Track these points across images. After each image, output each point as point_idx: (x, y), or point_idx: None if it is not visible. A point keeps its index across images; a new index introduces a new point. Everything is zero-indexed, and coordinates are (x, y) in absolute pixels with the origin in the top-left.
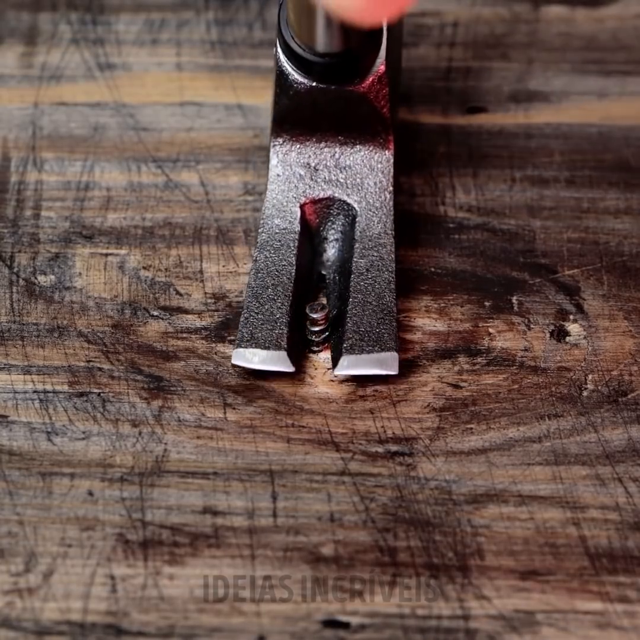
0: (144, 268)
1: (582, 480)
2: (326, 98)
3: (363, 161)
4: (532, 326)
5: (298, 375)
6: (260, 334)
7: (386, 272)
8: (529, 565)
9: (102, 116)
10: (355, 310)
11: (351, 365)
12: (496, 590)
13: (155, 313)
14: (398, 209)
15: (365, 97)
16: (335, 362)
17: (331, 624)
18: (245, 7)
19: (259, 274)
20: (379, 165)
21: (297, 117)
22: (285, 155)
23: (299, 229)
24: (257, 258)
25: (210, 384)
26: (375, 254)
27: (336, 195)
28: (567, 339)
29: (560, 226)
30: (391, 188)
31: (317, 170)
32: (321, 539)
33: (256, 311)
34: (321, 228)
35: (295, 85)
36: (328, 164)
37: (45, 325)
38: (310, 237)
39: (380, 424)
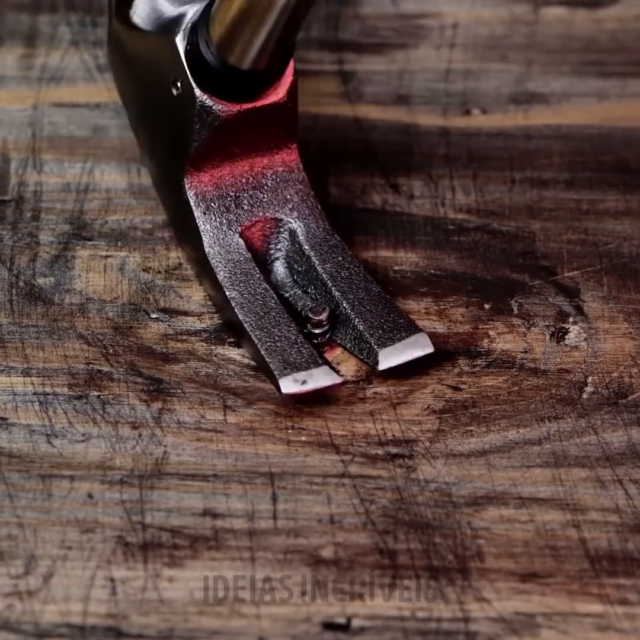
0: (144, 270)
1: (582, 482)
2: (246, 119)
3: (277, 176)
4: (532, 328)
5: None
6: (292, 358)
7: (354, 267)
8: (529, 568)
9: (102, 118)
10: (356, 310)
11: (391, 357)
12: (496, 592)
13: (155, 315)
14: (372, 204)
15: (284, 107)
16: (374, 360)
17: (331, 626)
18: None
19: (245, 308)
20: (293, 175)
21: (211, 150)
22: (204, 194)
23: (250, 256)
24: (233, 296)
25: (210, 386)
26: (333, 257)
27: (267, 215)
28: (567, 340)
29: (560, 228)
30: (312, 192)
31: (238, 197)
32: (321, 541)
33: (270, 340)
34: (264, 251)
35: (220, 114)
36: (246, 188)
37: (45, 327)
38: (258, 260)
39: (380, 426)
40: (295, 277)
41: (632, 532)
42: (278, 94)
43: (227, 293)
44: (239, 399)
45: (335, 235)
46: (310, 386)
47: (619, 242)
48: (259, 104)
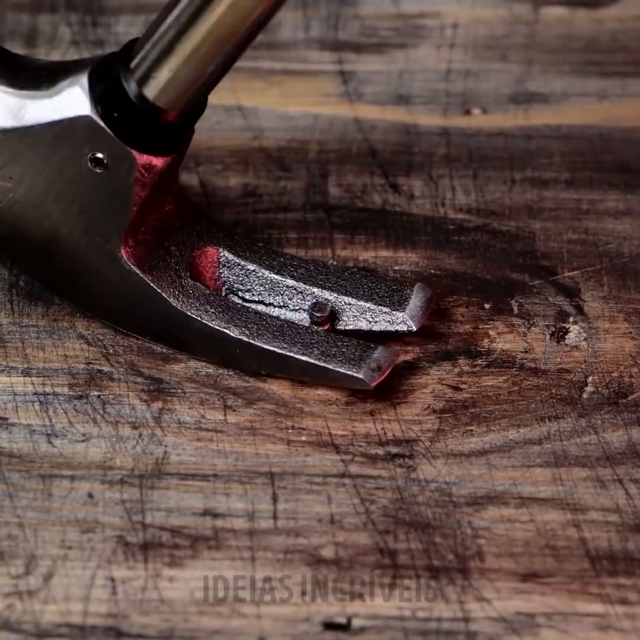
0: None
1: (583, 482)
2: (166, 170)
3: (177, 212)
4: (532, 328)
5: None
6: (349, 354)
7: (303, 261)
8: (530, 567)
9: None
10: (348, 293)
11: (416, 314)
12: (496, 592)
13: None
14: (372, 204)
15: (183, 152)
16: (405, 325)
17: (331, 626)
18: None
19: (259, 335)
20: (186, 205)
21: (144, 212)
22: (141, 256)
23: (211, 291)
24: (243, 331)
25: (210, 386)
26: (276, 258)
27: (194, 252)
28: (567, 340)
29: (560, 228)
30: (201, 209)
31: (165, 245)
32: (321, 541)
33: (309, 350)
34: (214, 284)
35: (162, 168)
36: (163, 235)
37: (45, 327)
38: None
39: (381, 426)
40: (256, 297)
41: (632, 532)
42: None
43: (230, 333)
44: (239, 398)
45: (253, 241)
46: (385, 367)
47: (619, 242)
48: (182, 150)
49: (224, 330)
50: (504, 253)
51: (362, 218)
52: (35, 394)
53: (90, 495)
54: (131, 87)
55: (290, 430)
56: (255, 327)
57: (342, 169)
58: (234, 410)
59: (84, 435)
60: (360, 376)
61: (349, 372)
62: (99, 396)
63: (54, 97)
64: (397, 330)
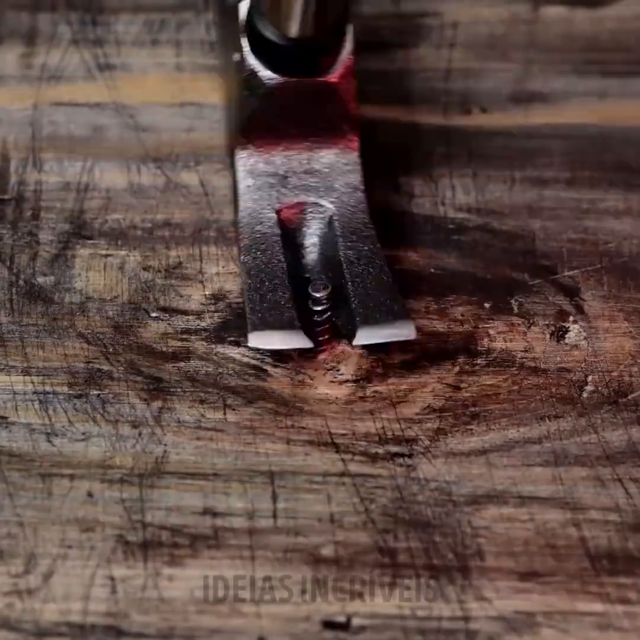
0: (144, 269)
1: (582, 481)
2: (296, 94)
3: (332, 164)
4: (532, 327)
5: (298, 376)
6: (271, 319)
7: (377, 260)
8: (529, 567)
9: (102, 117)
10: (358, 291)
11: (369, 335)
12: (496, 591)
13: (155, 314)
14: (372, 204)
15: (335, 90)
16: (350, 337)
17: (331, 625)
18: None
19: (252, 273)
20: (348, 167)
21: (264, 123)
22: (253, 167)
23: (280, 231)
24: (246, 260)
25: (210, 385)
26: (361, 246)
27: (310, 199)
28: (567, 339)
29: (560, 227)
30: (362, 186)
31: (287, 177)
32: (321, 540)
33: (260, 301)
34: (297, 232)
35: (266, 82)
36: (297, 170)
37: (45, 326)
38: (289, 239)
39: (380, 425)
40: (321, 260)
41: (632, 531)
42: (329, 74)
43: (241, 257)
44: (239, 397)
45: (372, 230)
46: (276, 345)
47: (619, 241)
48: (306, 79)
49: (241, 256)
50: (504, 252)
51: None
52: (34, 392)
53: (90, 494)
54: None
55: (290, 429)
56: (262, 266)
57: None
58: (233, 410)
59: (83, 434)
60: (249, 332)
61: (250, 325)
62: (98, 395)
63: None
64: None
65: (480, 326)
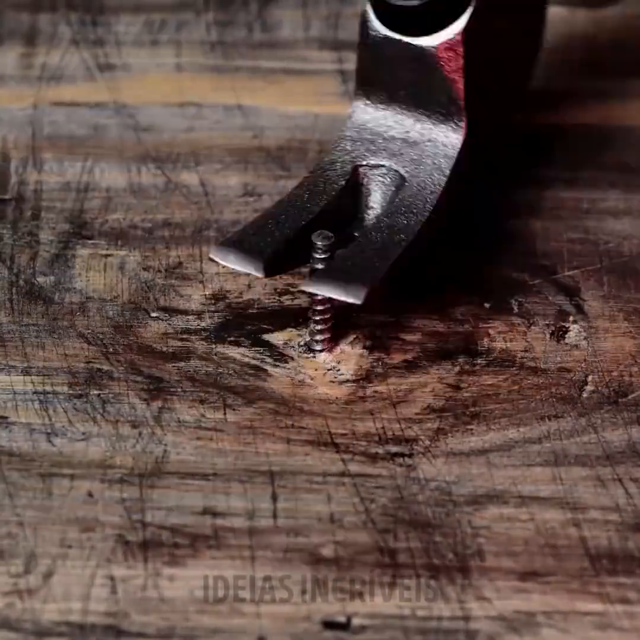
0: (144, 269)
1: (582, 481)
2: (400, 55)
3: (431, 140)
4: (532, 327)
5: (298, 376)
6: (247, 242)
7: (403, 234)
8: (529, 566)
9: (102, 117)
10: (353, 249)
11: (319, 286)
12: (496, 591)
13: (155, 314)
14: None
15: (436, 60)
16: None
17: (331, 624)
18: (245, 8)
19: (281, 204)
20: (446, 149)
21: (378, 78)
22: (361, 119)
23: (343, 184)
24: (292, 192)
25: (210, 385)
26: (402, 219)
27: (392, 165)
28: (567, 339)
29: (560, 227)
30: (448, 172)
31: (385, 139)
32: (321, 540)
33: (257, 226)
34: (367, 193)
35: (372, 33)
36: (397, 136)
37: (45, 326)
38: (352, 196)
39: (380, 425)
40: (366, 223)
41: (632, 531)
42: (435, 42)
43: (293, 189)
44: (239, 397)
45: (427, 211)
46: (231, 262)
47: (619, 241)
48: (409, 41)
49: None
50: (504, 252)
51: None
52: (35, 392)
53: (90, 494)
54: None
55: (290, 429)
56: (299, 202)
57: None
58: (233, 409)
59: (83, 434)
60: (216, 244)
61: (224, 239)
62: (98, 395)
63: None
64: None
65: (480, 326)
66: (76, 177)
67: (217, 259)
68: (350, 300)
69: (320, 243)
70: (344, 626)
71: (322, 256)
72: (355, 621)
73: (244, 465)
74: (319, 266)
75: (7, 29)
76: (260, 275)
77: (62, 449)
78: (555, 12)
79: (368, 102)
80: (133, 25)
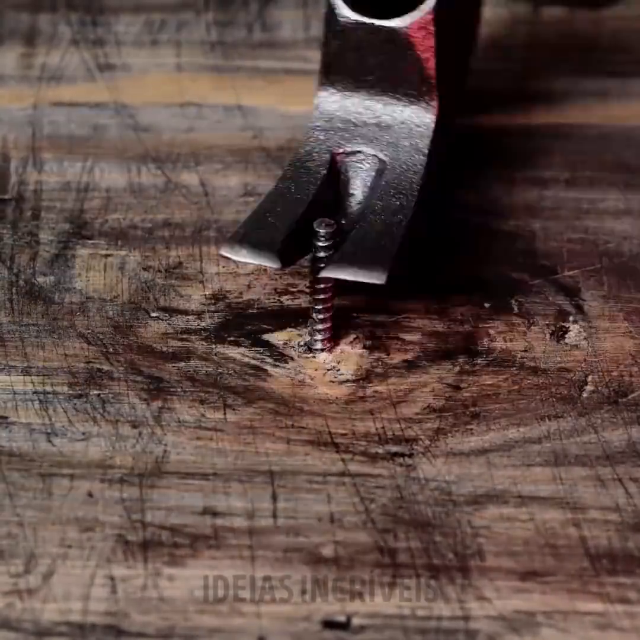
0: (144, 269)
1: (583, 481)
2: (370, 40)
3: (404, 122)
4: (532, 327)
5: (298, 376)
6: (254, 236)
7: (400, 215)
8: (529, 566)
9: (102, 117)
10: (359, 232)
11: (336, 271)
12: (496, 591)
13: (155, 314)
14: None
15: (408, 41)
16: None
17: (331, 624)
18: (245, 8)
19: (271, 197)
20: (419, 129)
21: (343, 66)
22: (328, 109)
23: (325, 173)
24: (277, 185)
25: (210, 385)
26: (393, 201)
27: (370, 151)
28: (567, 339)
29: (560, 227)
30: (426, 150)
31: (357, 125)
32: (321, 540)
33: (257, 219)
34: (347, 180)
35: (341, 20)
36: (368, 121)
37: (45, 326)
38: (333, 184)
39: (380, 425)
40: (356, 209)
41: (632, 531)
42: (406, 23)
43: (277, 183)
44: (239, 397)
45: (415, 192)
46: (246, 258)
47: (619, 241)
48: (379, 24)
49: (278, 182)
50: (504, 252)
51: None
52: (34, 392)
53: (90, 494)
54: None
55: (290, 429)
56: (287, 194)
57: None
58: (233, 409)
59: (83, 434)
60: (225, 240)
61: (232, 235)
62: (98, 395)
63: None
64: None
65: (480, 326)
66: (76, 177)
67: (230, 256)
68: (374, 281)
69: (323, 231)
70: (344, 626)
71: (325, 244)
72: (355, 621)
73: (243, 465)
74: (322, 254)
75: (7, 29)
76: (276, 266)
77: (62, 449)
78: (555, 12)
79: (333, 90)
80: (133, 25)
